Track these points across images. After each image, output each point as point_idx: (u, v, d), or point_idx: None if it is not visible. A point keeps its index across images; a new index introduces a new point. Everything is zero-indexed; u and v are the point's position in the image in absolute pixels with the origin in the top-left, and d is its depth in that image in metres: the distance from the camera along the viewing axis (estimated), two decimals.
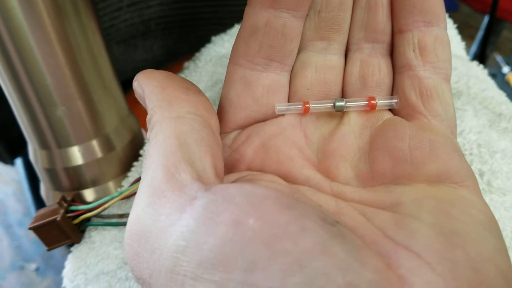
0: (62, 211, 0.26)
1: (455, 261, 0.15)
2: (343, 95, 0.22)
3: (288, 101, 0.22)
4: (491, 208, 0.25)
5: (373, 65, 0.21)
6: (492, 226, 0.17)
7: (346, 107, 0.21)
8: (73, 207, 0.27)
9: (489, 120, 0.30)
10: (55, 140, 0.28)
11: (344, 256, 0.14)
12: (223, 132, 0.22)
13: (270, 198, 0.15)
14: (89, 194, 0.30)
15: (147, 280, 0.15)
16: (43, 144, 0.29)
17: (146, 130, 0.20)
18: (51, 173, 0.29)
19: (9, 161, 0.59)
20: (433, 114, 0.20)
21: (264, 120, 0.21)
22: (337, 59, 0.22)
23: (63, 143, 0.28)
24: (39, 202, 0.75)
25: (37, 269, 0.87)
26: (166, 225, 0.15)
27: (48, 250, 0.28)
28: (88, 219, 0.28)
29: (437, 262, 0.15)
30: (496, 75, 0.98)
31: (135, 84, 0.20)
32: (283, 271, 0.13)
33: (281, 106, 0.21)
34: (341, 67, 0.22)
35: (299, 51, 0.21)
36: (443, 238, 0.16)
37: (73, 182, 0.29)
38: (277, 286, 0.13)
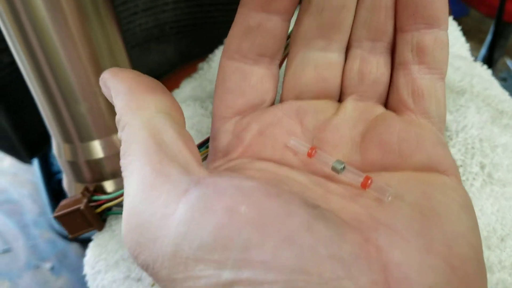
0: (85, 200, 0.28)
1: (431, 239, 0.16)
2: (341, 91, 0.23)
3: (284, 95, 0.23)
4: (492, 199, 0.26)
5: (372, 62, 0.22)
6: (469, 208, 0.19)
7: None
8: (95, 197, 0.29)
9: (491, 116, 0.31)
10: (78, 134, 0.30)
11: (327, 232, 0.15)
12: (224, 117, 0.23)
13: (258, 189, 0.17)
14: (109, 185, 0.31)
15: (151, 266, 0.16)
16: (67, 138, 0.30)
17: None
18: (74, 165, 0.31)
19: (27, 160, 0.61)
20: (421, 112, 0.21)
21: (260, 104, 0.23)
22: (336, 57, 0.23)
23: (85, 137, 0.30)
24: (54, 203, 0.76)
25: (52, 268, 0.88)
26: (165, 215, 0.16)
27: (71, 238, 0.29)
28: (109, 209, 0.29)
29: (414, 239, 0.16)
30: (507, 79, 0.98)
31: (101, 83, 0.21)
32: (274, 248, 0.15)
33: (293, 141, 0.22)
34: (340, 64, 0.23)
35: (300, 49, 0.23)
36: (422, 217, 0.17)
37: (94, 174, 0.31)
38: (270, 260, 0.15)
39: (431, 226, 0.17)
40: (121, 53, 0.30)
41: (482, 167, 0.28)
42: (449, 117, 0.30)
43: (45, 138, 0.59)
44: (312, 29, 0.22)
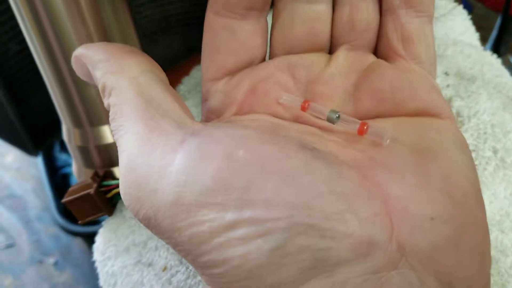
0: (95, 185, 0.28)
1: (428, 174, 0.17)
2: (331, 41, 0.23)
3: (274, 52, 0.23)
4: (505, 183, 0.26)
5: (362, 9, 0.22)
6: (464, 146, 0.19)
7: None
8: (105, 182, 0.29)
9: (503, 103, 0.31)
10: (88, 118, 0.30)
11: (326, 171, 0.16)
12: (214, 78, 0.22)
13: (254, 135, 0.17)
14: (118, 171, 0.31)
15: (153, 218, 0.16)
16: (77, 122, 0.30)
17: None
18: (84, 151, 0.31)
19: (34, 152, 0.61)
20: (412, 57, 0.21)
21: (251, 62, 0.22)
22: (324, 8, 0.22)
23: (96, 122, 0.30)
24: (58, 198, 0.76)
25: (55, 263, 0.88)
26: (163, 165, 0.16)
27: (81, 223, 0.29)
28: (119, 193, 0.29)
29: (412, 175, 0.17)
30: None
31: (74, 62, 0.21)
32: (275, 187, 0.15)
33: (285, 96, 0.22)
34: (329, 14, 0.23)
35: (286, 3, 0.22)
36: (418, 155, 0.18)
37: (104, 159, 0.31)
38: (272, 198, 0.15)
39: (427, 163, 0.17)
40: (132, 37, 0.30)
41: (495, 151, 0.27)
42: (460, 102, 0.30)
43: (51, 130, 0.59)
44: None
